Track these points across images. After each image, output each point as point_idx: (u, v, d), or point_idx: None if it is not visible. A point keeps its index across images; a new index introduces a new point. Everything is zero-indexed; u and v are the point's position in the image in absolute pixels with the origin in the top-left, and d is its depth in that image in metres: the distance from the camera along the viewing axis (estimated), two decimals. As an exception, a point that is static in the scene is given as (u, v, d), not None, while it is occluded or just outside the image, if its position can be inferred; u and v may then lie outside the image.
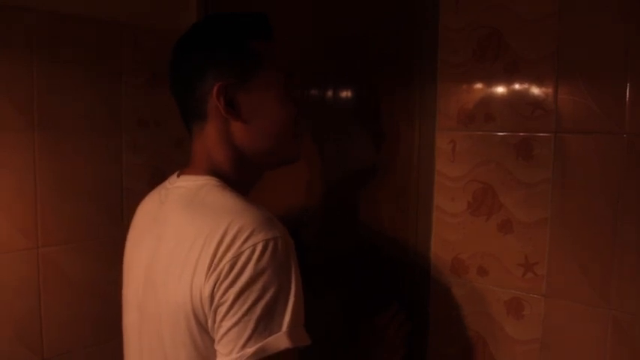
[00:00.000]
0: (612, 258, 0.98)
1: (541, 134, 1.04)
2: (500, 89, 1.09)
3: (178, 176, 0.99)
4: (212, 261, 0.82)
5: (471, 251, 1.14)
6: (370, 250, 1.29)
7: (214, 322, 0.82)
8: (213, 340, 0.84)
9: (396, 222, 1.24)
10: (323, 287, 1.34)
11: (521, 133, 1.07)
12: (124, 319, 1.05)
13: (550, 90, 1.03)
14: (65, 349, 1.34)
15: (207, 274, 0.82)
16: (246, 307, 0.80)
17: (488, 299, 1.13)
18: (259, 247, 0.80)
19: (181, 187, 0.96)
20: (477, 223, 1.13)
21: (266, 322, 0.80)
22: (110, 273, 1.38)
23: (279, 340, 0.80)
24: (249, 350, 0.79)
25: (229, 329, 0.80)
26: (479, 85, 1.11)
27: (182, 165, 1.02)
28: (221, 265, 0.81)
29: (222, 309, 0.81)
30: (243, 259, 0.80)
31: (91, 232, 1.37)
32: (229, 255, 0.81)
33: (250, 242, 0.81)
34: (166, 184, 1.01)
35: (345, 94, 1.31)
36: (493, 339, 1.13)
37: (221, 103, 0.93)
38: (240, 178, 0.98)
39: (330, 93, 1.33)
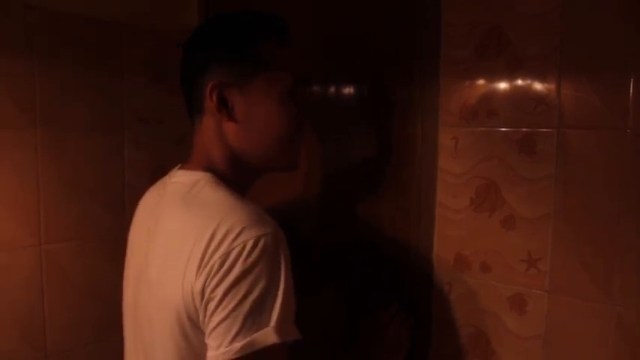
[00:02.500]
0: (615, 254, 0.98)
1: (544, 130, 1.04)
2: (503, 85, 1.09)
3: (178, 170, 1.00)
4: (203, 257, 0.82)
5: (474, 247, 1.14)
6: (372, 246, 1.29)
7: (205, 316, 0.83)
8: (204, 335, 0.85)
9: (398, 219, 1.24)
10: (324, 285, 1.34)
11: (524, 129, 1.07)
12: (123, 314, 1.06)
13: (553, 85, 1.03)
14: (68, 347, 1.34)
15: (198, 270, 0.82)
16: (235, 302, 0.80)
17: (490, 295, 1.13)
18: (249, 244, 0.81)
19: (178, 182, 0.97)
20: (479, 219, 1.13)
21: (254, 318, 0.81)
22: (112, 270, 1.38)
23: (267, 335, 0.80)
24: (237, 345, 0.80)
25: (218, 324, 0.81)
26: (481, 81, 1.11)
27: (183, 160, 1.02)
28: (212, 262, 0.81)
29: (212, 304, 0.82)
30: (233, 255, 0.81)
31: (93, 229, 1.37)
32: (220, 252, 0.81)
33: (241, 239, 0.81)
34: (166, 178, 1.02)
35: (347, 90, 1.31)
36: (495, 335, 1.13)
37: (213, 100, 0.93)
38: (235, 177, 0.98)
39: (332, 90, 1.33)
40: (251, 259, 0.81)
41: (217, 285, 0.81)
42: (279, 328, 0.81)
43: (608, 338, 1.00)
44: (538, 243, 1.06)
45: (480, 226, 1.13)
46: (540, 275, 1.07)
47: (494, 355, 1.14)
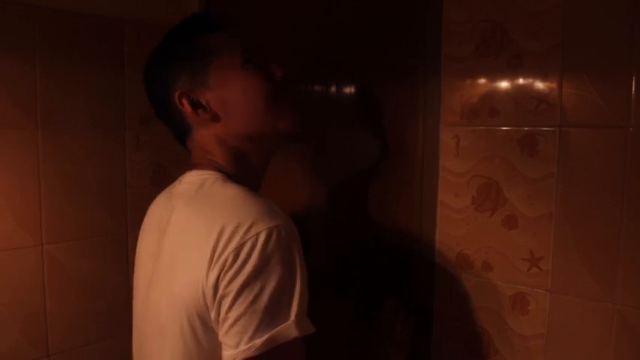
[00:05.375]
0: (617, 252, 0.98)
1: (545, 128, 1.04)
2: (505, 83, 1.08)
3: (188, 172, 1.01)
4: (214, 252, 0.81)
5: (476, 246, 1.14)
6: (375, 245, 1.29)
7: (219, 313, 0.82)
8: (215, 333, 0.84)
9: (400, 217, 1.23)
10: (328, 284, 1.34)
11: (526, 128, 1.06)
12: (133, 315, 1.06)
13: (554, 84, 1.02)
14: (70, 346, 1.34)
15: (209, 265, 0.81)
16: (252, 297, 0.79)
17: (493, 294, 1.13)
18: (262, 236, 0.80)
19: (186, 182, 0.97)
20: (481, 218, 1.13)
21: (273, 312, 0.79)
22: (114, 269, 1.39)
23: (289, 330, 0.79)
24: (258, 341, 0.78)
25: (236, 320, 0.79)
26: (483, 80, 1.11)
27: (187, 161, 1.02)
28: (224, 256, 0.80)
29: (227, 300, 0.80)
30: (246, 248, 0.79)
31: (94, 229, 1.37)
32: (232, 245, 0.80)
33: (253, 231, 0.80)
34: (176, 182, 1.02)
35: (349, 89, 1.31)
36: (498, 334, 1.13)
37: (186, 109, 0.95)
38: (244, 175, 0.98)
39: (334, 89, 1.33)
40: (265, 252, 0.79)
41: (232, 279, 0.79)
42: (299, 322, 0.80)
43: (610, 337, 1.00)
44: (540, 242, 1.06)
45: (481, 225, 1.13)
46: (542, 274, 1.06)
47: (496, 353, 1.13)
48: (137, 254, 1.07)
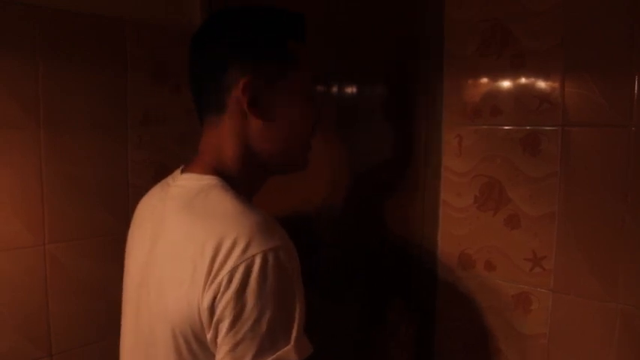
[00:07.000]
0: (620, 252, 0.98)
1: (548, 128, 1.04)
2: (507, 83, 1.08)
3: (182, 172, 0.96)
4: (210, 271, 0.78)
5: (478, 246, 1.14)
6: (378, 245, 1.29)
7: (216, 335, 0.79)
8: (211, 353, 0.82)
9: (403, 217, 1.23)
10: (331, 283, 1.34)
11: (528, 127, 1.06)
12: (122, 317, 1.03)
13: (556, 83, 1.02)
14: (72, 346, 1.34)
15: (205, 284, 0.78)
16: (250, 323, 0.77)
17: (495, 294, 1.13)
18: (258, 260, 0.77)
19: (183, 186, 0.93)
20: (483, 217, 1.13)
21: (272, 338, 0.77)
22: (116, 269, 1.37)
23: (288, 355, 0.78)
24: None
25: (235, 345, 0.77)
26: (485, 79, 1.11)
27: (187, 160, 1.00)
28: (220, 277, 0.77)
29: (225, 324, 0.78)
30: (241, 270, 0.77)
31: (96, 229, 1.37)
32: (228, 266, 0.77)
33: (249, 253, 0.77)
34: (169, 180, 0.98)
35: (351, 90, 1.31)
36: (500, 333, 1.13)
37: (245, 99, 0.89)
38: (244, 178, 0.94)
39: (335, 89, 1.33)
40: (262, 277, 0.77)
41: (228, 303, 0.77)
42: (298, 345, 0.78)
43: (612, 337, 1.00)
44: (543, 241, 1.06)
45: (484, 225, 1.13)
46: (545, 274, 1.06)
47: (499, 353, 1.13)
48: (127, 255, 1.04)
